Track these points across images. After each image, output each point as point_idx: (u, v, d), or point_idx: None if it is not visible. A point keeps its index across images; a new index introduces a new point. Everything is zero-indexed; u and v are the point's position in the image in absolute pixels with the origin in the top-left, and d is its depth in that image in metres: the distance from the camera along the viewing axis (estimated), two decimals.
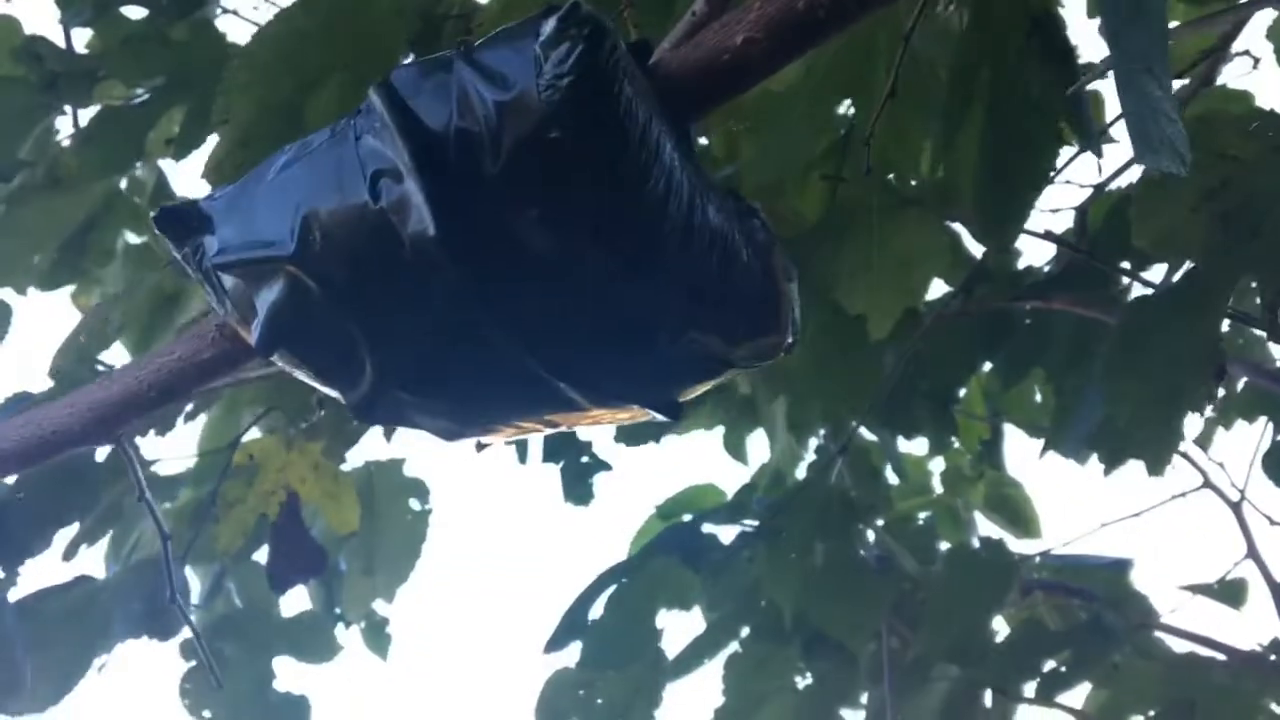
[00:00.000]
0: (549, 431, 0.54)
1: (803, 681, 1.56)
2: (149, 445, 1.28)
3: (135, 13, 1.26)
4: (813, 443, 1.59)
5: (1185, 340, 0.80)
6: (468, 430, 0.53)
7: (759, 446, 1.70)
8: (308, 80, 0.88)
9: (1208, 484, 1.42)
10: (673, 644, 1.50)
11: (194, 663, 1.33)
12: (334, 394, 0.51)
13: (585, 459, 1.47)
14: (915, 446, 1.65)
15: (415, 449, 1.51)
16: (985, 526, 1.76)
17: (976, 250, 1.24)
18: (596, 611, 1.38)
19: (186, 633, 1.29)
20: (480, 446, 0.55)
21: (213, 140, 0.97)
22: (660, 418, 0.52)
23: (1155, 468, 0.92)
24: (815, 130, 0.91)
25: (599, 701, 1.36)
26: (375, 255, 0.46)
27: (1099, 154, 0.90)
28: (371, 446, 1.43)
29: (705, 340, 0.50)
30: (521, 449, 1.47)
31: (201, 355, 0.55)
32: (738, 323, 0.51)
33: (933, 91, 0.86)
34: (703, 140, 1.29)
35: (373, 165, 0.46)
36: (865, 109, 0.81)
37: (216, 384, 0.57)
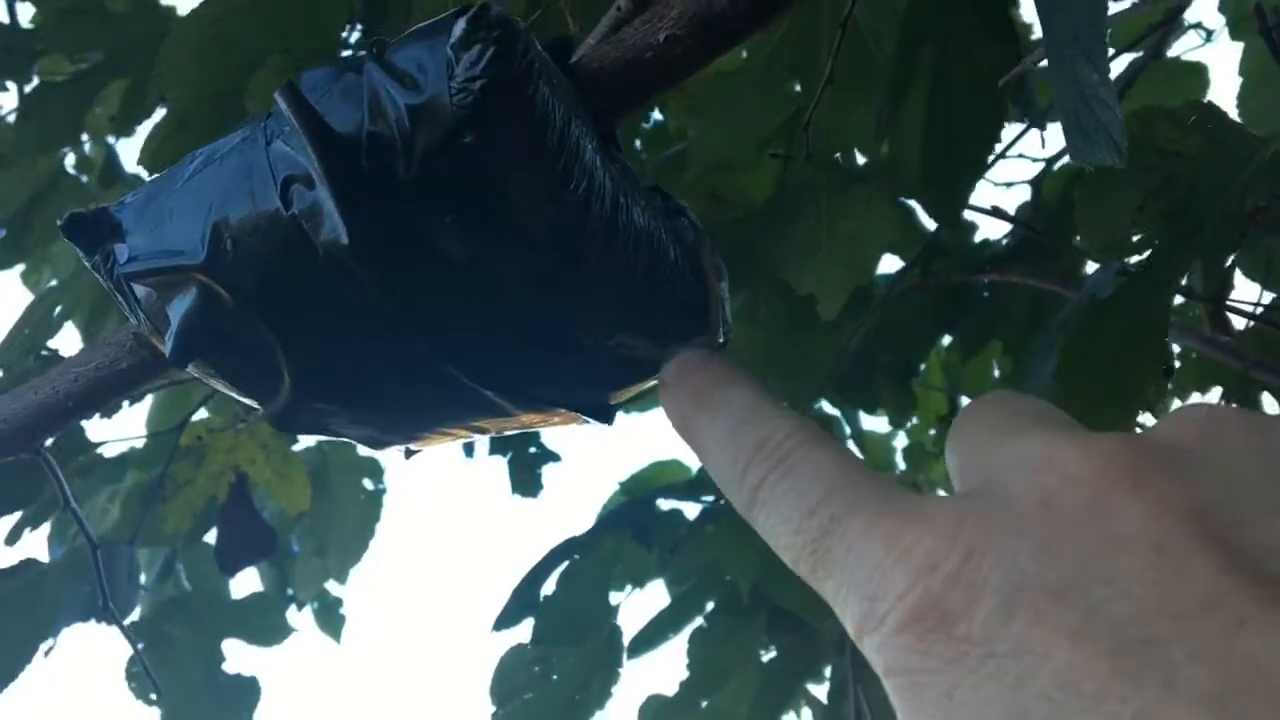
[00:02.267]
0: (478, 437, 0.53)
1: (767, 655, 1.56)
2: (95, 427, 1.26)
3: None
4: None
5: (1133, 341, 0.80)
6: (393, 439, 0.52)
7: None
8: (244, 63, 0.85)
9: None
10: (629, 623, 1.51)
11: (141, 645, 1.32)
12: (252, 404, 0.50)
13: (533, 449, 1.45)
14: (880, 424, 1.65)
15: None
16: None
17: (932, 225, 1.24)
18: (549, 588, 1.38)
19: (135, 616, 1.29)
20: (409, 454, 0.54)
21: (154, 117, 0.95)
22: (592, 422, 0.51)
23: None
24: (763, 110, 0.90)
25: (554, 678, 1.36)
26: (288, 264, 0.44)
27: (1043, 129, 0.90)
28: None
29: (634, 343, 0.49)
30: (468, 443, 1.47)
31: (120, 364, 0.53)
32: (667, 324, 0.50)
33: (879, 69, 0.85)
34: (657, 115, 1.27)
35: (283, 171, 0.44)
36: (812, 89, 0.80)
37: (139, 390, 0.55)
